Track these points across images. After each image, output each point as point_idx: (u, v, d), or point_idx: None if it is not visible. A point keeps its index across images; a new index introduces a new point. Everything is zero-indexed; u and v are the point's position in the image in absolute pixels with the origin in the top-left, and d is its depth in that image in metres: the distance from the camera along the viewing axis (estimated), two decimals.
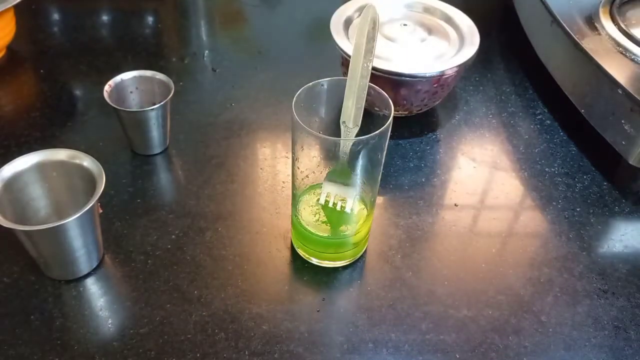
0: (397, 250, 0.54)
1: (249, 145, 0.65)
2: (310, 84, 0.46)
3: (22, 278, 0.50)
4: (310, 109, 0.46)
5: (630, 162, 0.59)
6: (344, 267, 0.53)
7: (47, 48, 0.80)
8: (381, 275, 0.52)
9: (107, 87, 0.59)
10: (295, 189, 0.50)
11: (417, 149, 0.65)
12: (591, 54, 0.61)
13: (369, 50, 0.45)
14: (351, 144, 0.45)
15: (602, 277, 0.53)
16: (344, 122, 0.46)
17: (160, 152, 0.63)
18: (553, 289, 0.52)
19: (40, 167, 0.49)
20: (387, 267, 0.53)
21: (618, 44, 0.63)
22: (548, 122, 0.70)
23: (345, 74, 0.65)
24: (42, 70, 0.76)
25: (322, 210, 0.50)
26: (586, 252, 0.55)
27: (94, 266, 0.51)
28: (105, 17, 0.87)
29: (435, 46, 0.65)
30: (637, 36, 0.63)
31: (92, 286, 0.50)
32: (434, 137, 0.67)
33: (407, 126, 0.68)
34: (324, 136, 0.46)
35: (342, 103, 0.48)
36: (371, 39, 0.45)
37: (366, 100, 0.46)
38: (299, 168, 0.48)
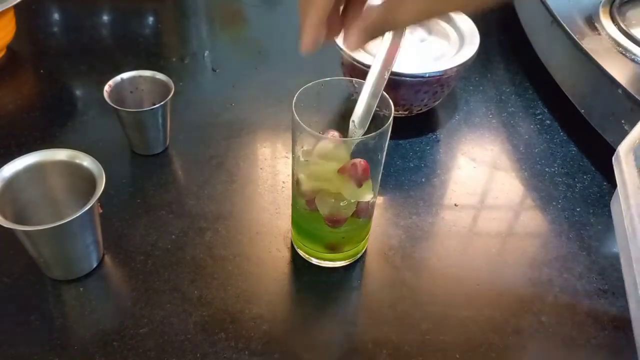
0: (397, 250, 0.54)
1: (249, 145, 0.65)
2: (310, 84, 0.46)
3: (22, 278, 0.50)
4: (310, 109, 0.46)
5: None
6: (344, 267, 0.53)
7: (47, 48, 0.80)
8: (381, 275, 0.52)
9: (107, 87, 0.59)
10: (295, 188, 0.50)
11: (417, 149, 0.65)
12: (591, 54, 0.61)
13: (390, 61, 0.45)
14: (355, 143, 0.45)
15: (602, 277, 0.53)
16: (353, 120, 0.46)
17: (160, 152, 0.63)
18: (553, 289, 0.52)
19: (40, 167, 0.49)
20: (387, 267, 0.53)
21: (618, 44, 0.63)
22: (548, 122, 0.70)
23: (346, 74, 0.66)
24: (42, 70, 0.76)
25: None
26: (586, 252, 0.55)
27: (94, 266, 0.51)
28: (105, 17, 0.87)
29: (435, 46, 0.65)
30: (637, 36, 0.63)
31: (92, 286, 0.50)
32: (434, 137, 0.67)
33: (407, 126, 0.68)
34: (324, 136, 0.46)
35: (343, 103, 0.48)
36: (394, 50, 0.45)
37: None
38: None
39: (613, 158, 0.44)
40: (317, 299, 0.50)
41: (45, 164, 0.49)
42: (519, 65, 0.79)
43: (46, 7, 0.88)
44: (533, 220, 0.58)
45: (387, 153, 0.47)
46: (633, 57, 0.62)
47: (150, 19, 0.87)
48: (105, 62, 0.77)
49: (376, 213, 0.56)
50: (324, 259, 0.52)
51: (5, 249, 0.52)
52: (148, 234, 0.54)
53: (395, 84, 0.61)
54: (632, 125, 0.57)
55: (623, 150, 0.43)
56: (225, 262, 0.52)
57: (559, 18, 0.67)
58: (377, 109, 0.46)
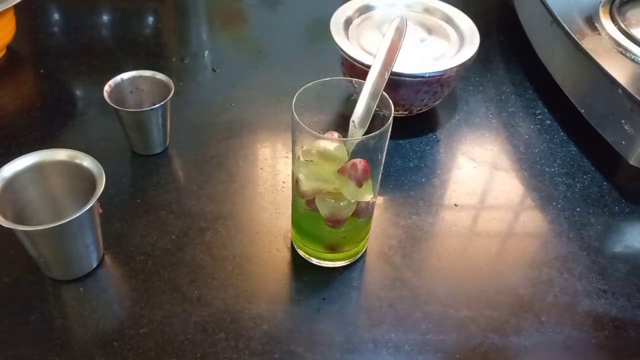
0: (397, 250, 0.54)
1: (249, 145, 0.65)
2: (310, 84, 0.46)
3: (22, 278, 0.50)
4: (310, 109, 0.46)
5: (630, 162, 0.59)
6: (344, 267, 0.53)
7: (47, 48, 0.80)
8: (381, 275, 0.52)
9: (107, 87, 0.59)
10: (295, 188, 0.50)
11: (417, 149, 0.65)
12: (591, 54, 0.61)
13: (390, 61, 0.45)
14: (355, 143, 0.45)
15: (602, 277, 0.53)
16: (353, 121, 0.46)
17: (160, 152, 0.63)
18: (553, 289, 0.52)
19: (40, 167, 0.49)
20: (387, 267, 0.53)
21: (618, 44, 0.63)
22: (548, 122, 0.70)
23: (346, 74, 0.66)
24: (42, 70, 0.76)
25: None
26: (586, 252, 0.55)
27: (94, 266, 0.51)
28: (105, 17, 0.87)
29: (435, 46, 0.65)
30: (637, 36, 0.63)
31: (92, 286, 0.50)
32: (434, 137, 0.67)
33: (407, 126, 0.68)
34: (324, 136, 0.46)
35: (343, 103, 0.48)
36: (394, 50, 0.45)
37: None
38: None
39: None
40: (317, 299, 0.50)
41: (45, 164, 0.49)
42: (519, 65, 0.79)
43: (46, 7, 0.88)
44: (533, 220, 0.58)
45: (387, 153, 0.47)
46: (633, 57, 0.62)
47: (150, 19, 0.87)
48: (105, 62, 0.77)
49: (376, 213, 0.56)
50: (324, 259, 0.52)
51: (5, 249, 0.52)
52: (148, 234, 0.54)
53: (395, 84, 0.61)
54: (632, 125, 0.57)
55: None
56: (225, 262, 0.52)
57: (559, 18, 0.67)
58: (377, 109, 0.46)
